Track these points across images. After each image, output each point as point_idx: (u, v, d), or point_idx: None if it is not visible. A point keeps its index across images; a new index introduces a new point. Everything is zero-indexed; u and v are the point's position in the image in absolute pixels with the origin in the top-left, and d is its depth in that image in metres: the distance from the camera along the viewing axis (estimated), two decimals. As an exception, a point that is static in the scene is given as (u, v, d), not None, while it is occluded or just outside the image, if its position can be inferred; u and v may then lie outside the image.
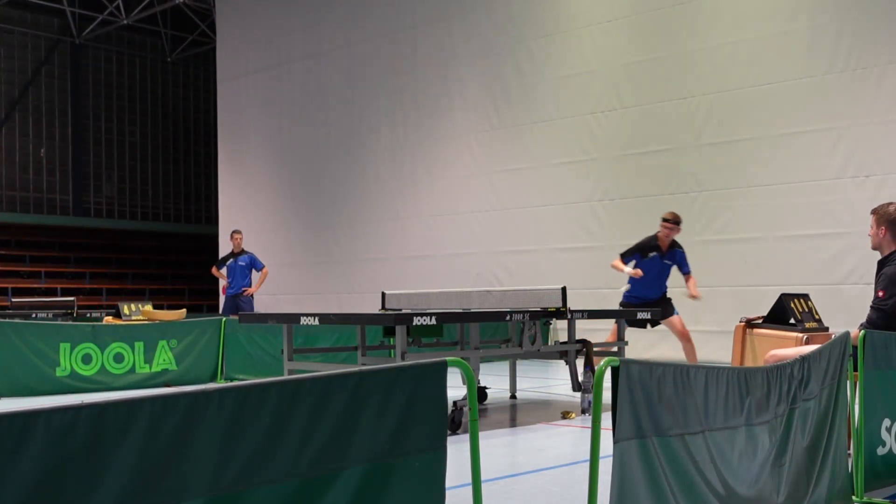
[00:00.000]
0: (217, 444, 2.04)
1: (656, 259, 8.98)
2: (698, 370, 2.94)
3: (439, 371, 2.54)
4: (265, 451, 2.14)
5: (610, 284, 13.51)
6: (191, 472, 2.00)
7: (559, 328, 12.82)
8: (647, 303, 8.91)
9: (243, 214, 20.26)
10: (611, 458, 2.59)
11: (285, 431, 2.18)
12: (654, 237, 9.07)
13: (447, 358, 2.60)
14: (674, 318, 8.96)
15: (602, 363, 2.60)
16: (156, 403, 1.94)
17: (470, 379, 2.72)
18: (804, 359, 3.60)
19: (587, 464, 2.63)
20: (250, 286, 13.56)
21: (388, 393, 2.40)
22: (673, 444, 2.76)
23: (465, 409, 7.04)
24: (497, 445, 6.12)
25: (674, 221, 9.00)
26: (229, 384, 2.16)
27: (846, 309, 10.15)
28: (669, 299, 9.12)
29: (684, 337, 8.95)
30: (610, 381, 2.61)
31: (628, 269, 8.85)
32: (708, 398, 2.97)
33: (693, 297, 8.93)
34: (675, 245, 9.07)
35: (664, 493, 2.67)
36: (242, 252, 13.84)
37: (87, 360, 9.42)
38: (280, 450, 2.17)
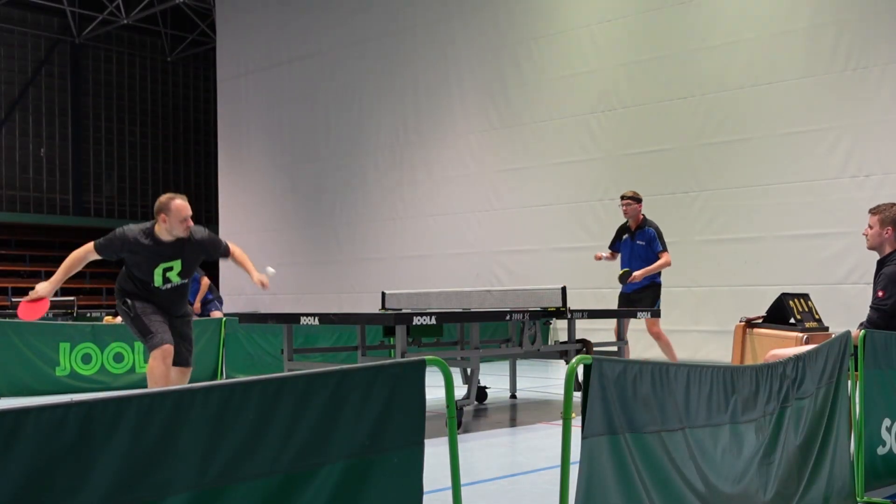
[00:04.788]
0: (202, 441, 2.09)
1: (626, 241, 8.90)
2: (679, 368, 2.94)
3: (418, 370, 2.59)
4: (248, 447, 2.19)
5: (610, 284, 13.50)
6: (176, 467, 2.04)
7: (559, 328, 12.83)
8: (631, 291, 8.75)
9: (243, 214, 20.28)
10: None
11: (268, 428, 2.23)
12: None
13: (426, 357, 2.65)
14: (646, 319, 8.48)
15: (574, 360, 2.61)
16: (143, 401, 1.99)
17: (448, 378, 2.75)
18: (798, 358, 3.60)
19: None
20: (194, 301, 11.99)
21: (368, 391, 2.46)
22: (648, 441, 2.77)
23: (465, 408, 7.04)
24: (497, 445, 6.12)
25: (630, 197, 8.81)
26: (214, 382, 2.19)
27: (846, 309, 10.15)
28: (652, 291, 8.79)
29: (654, 336, 8.70)
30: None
31: (602, 254, 8.93)
32: (689, 396, 2.98)
33: (633, 273, 8.61)
34: (646, 224, 8.85)
35: (636, 490, 2.68)
36: None
37: (86, 359, 9.42)
38: (263, 446, 2.21)
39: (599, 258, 9.07)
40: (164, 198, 5.83)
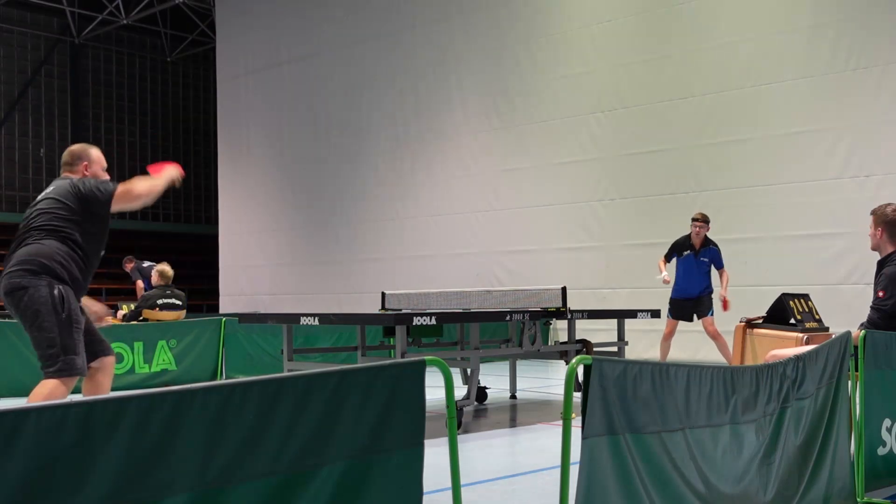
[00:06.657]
0: (202, 442, 2.08)
1: (690, 257, 9.57)
2: (679, 369, 2.94)
3: (418, 370, 2.58)
4: (248, 448, 2.18)
5: (610, 284, 13.52)
6: (176, 468, 2.04)
7: (559, 328, 12.83)
8: (688, 298, 9.52)
9: (243, 214, 20.27)
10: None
11: (268, 429, 2.22)
12: (688, 236, 9.62)
13: (426, 357, 2.64)
14: (705, 319, 9.50)
15: (574, 361, 2.61)
16: (142, 402, 1.98)
17: (448, 379, 2.75)
18: (798, 358, 3.60)
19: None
20: None
21: (368, 391, 2.45)
22: (648, 442, 2.77)
23: (465, 408, 7.04)
24: (497, 445, 6.12)
25: (702, 220, 9.57)
26: (214, 382, 2.19)
27: (846, 309, 10.14)
28: (709, 298, 9.58)
29: (713, 336, 9.41)
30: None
31: (662, 275, 9.57)
32: (689, 396, 2.98)
33: (722, 297, 9.40)
34: (709, 243, 9.58)
35: (636, 490, 2.68)
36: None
37: (86, 360, 9.39)
38: (263, 447, 2.21)
39: (668, 281, 9.56)
40: (76, 147, 4.96)
